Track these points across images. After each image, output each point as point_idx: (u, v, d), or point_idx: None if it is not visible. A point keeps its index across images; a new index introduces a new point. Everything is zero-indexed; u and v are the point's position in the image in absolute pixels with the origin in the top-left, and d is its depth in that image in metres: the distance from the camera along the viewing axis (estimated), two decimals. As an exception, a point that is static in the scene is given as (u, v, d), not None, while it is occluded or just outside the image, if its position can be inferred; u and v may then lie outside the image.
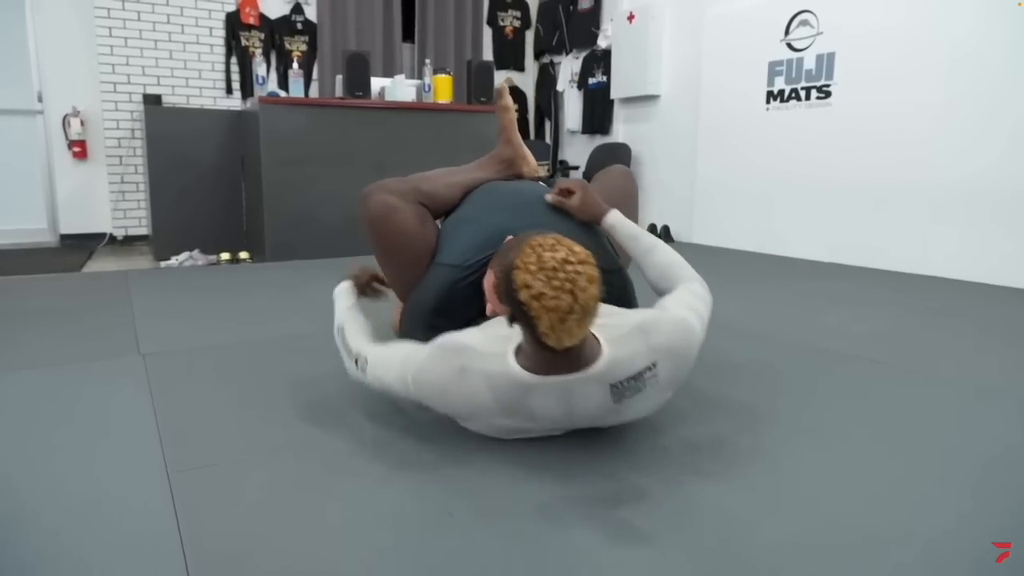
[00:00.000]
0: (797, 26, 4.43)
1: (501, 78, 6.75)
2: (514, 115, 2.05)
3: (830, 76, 4.26)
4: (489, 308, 1.63)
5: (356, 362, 1.56)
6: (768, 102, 4.66)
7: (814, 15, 4.32)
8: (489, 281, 1.62)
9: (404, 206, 1.81)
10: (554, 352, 1.24)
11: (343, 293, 1.77)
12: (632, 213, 2.02)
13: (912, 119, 3.86)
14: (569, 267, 1.17)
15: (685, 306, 1.48)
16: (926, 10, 3.77)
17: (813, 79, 4.36)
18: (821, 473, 1.37)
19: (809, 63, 4.37)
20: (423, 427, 1.56)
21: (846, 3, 4.15)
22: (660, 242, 1.66)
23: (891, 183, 3.98)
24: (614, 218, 1.72)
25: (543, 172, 5.99)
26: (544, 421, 1.40)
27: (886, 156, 4.00)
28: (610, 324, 1.36)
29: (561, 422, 1.42)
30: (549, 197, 1.80)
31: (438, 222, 1.97)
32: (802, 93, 4.44)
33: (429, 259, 1.83)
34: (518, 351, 1.33)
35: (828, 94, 4.28)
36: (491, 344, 1.37)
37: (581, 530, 1.14)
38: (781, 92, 4.57)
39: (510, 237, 1.44)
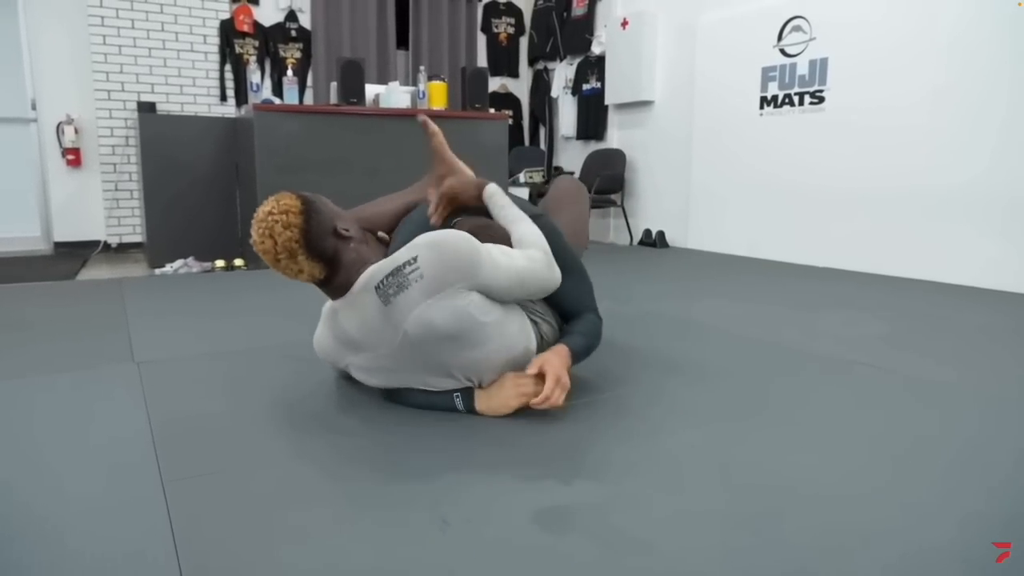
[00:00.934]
0: (790, 32, 4.46)
1: (496, 84, 6.77)
2: (441, 138, 2.07)
3: (823, 81, 4.28)
4: None
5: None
6: (762, 107, 4.68)
7: (807, 21, 4.35)
8: None
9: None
10: (325, 288, 1.60)
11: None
12: (577, 206, 2.20)
13: (905, 123, 3.88)
14: (270, 217, 1.49)
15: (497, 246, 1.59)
16: (920, 15, 3.79)
17: (806, 84, 4.38)
18: (819, 480, 1.37)
19: (802, 68, 4.40)
20: (419, 435, 1.55)
21: (839, 9, 4.18)
22: (526, 218, 1.72)
23: (886, 187, 4.00)
24: (491, 188, 1.77)
25: (538, 178, 6.00)
26: (363, 346, 1.60)
27: (881, 160, 4.02)
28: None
29: (372, 339, 1.57)
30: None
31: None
32: (795, 98, 4.46)
33: None
34: None
35: (822, 99, 4.31)
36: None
37: (577, 537, 1.14)
38: (775, 98, 4.59)
39: None
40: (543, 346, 1.73)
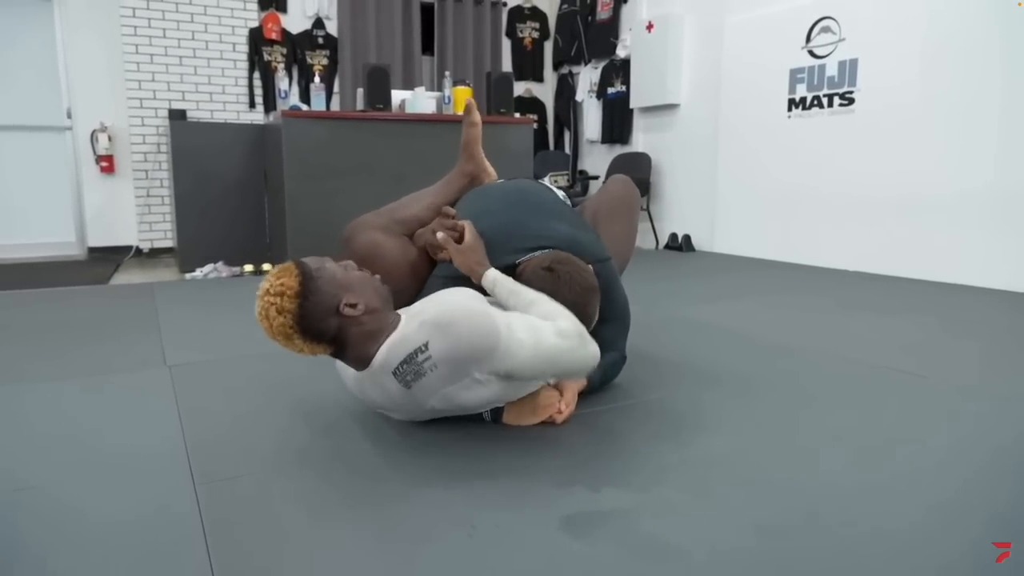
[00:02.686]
0: (819, 33, 4.40)
1: (520, 89, 6.78)
2: (479, 131, 2.07)
3: (853, 83, 4.22)
4: None
5: None
6: (790, 110, 4.63)
7: (836, 21, 4.29)
8: None
9: (387, 240, 1.80)
10: (349, 360, 1.51)
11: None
12: (628, 218, 2.12)
13: (938, 125, 3.81)
14: (266, 298, 1.42)
15: (521, 317, 1.45)
16: (954, 15, 3.72)
17: (836, 86, 4.32)
18: (852, 489, 1.35)
19: (831, 70, 4.34)
20: (447, 439, 1.56)
21: (869, 9, 4.12)
22: (542, 296, 1.54)
23: (917, 189, 3.92)
24: (492, 275, 1.62)
25: (563, 182, 5.99)
26: (393, 411, 1.57)
27: (912, 162, 3.95)
28: (404, 322, 1.49)
29: (403, 408, 1.53)
30: (440, 235, 1.70)
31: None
32: (824, 100, 4.40)
33: (416, 284, 1.83)
34: None
35: (851, 101, 4.24)
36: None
37: (607, 544, 1.13)
38: (803, 99, 4.54)
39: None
40: None
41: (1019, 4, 3.44)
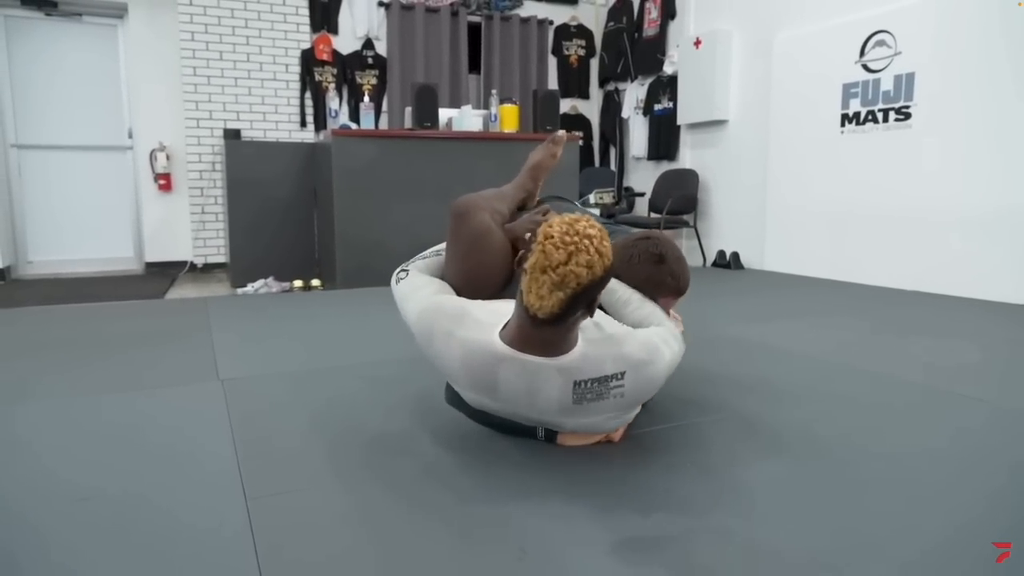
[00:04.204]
0: (873, 47, 4.30)
1: (566, 106, 6.79)
2: (555, 164, 2.13)
3: (910, 97, 4.11)
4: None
5: (400, 271, 1.73)
6: (843, 125, 4.53)
7: (891, 35, 4.19)
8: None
9: (495, 229, 1.79)
10: (532, 328, 1.35)
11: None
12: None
13: (998, 140, 3.68)
14: (586, 240, 1.28)
15: (656, 335, 1.51)
16: (1009, 27, 3.60)
17: (891, 100, 4.21)
18: (907, 516, 1.29)
19: (887, 84, 4.23)
20: (495, 459, 1.54)
21: (926, 22, 4.01)
22: (637, 294, 1.68)
23: (977, 206, 3.78)
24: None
25: (608, 199, 5.97)
26: (506, 401, 1.48)
27: (971, 178, 3.82)
28: (590, 329, 1.45)
29: (521, 406, 1.48)
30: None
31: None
32: (879, 115, 4.29)
33: (504, 276, 1.80)
34: (505, 326, 1.44)
35: (908, 115, 4.13)
36: (487, 315, 1.49)
37: (658, 571, 1.10)
38: (857, 115, 4.43)
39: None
40: None
41: (1019, 4, 3.40)
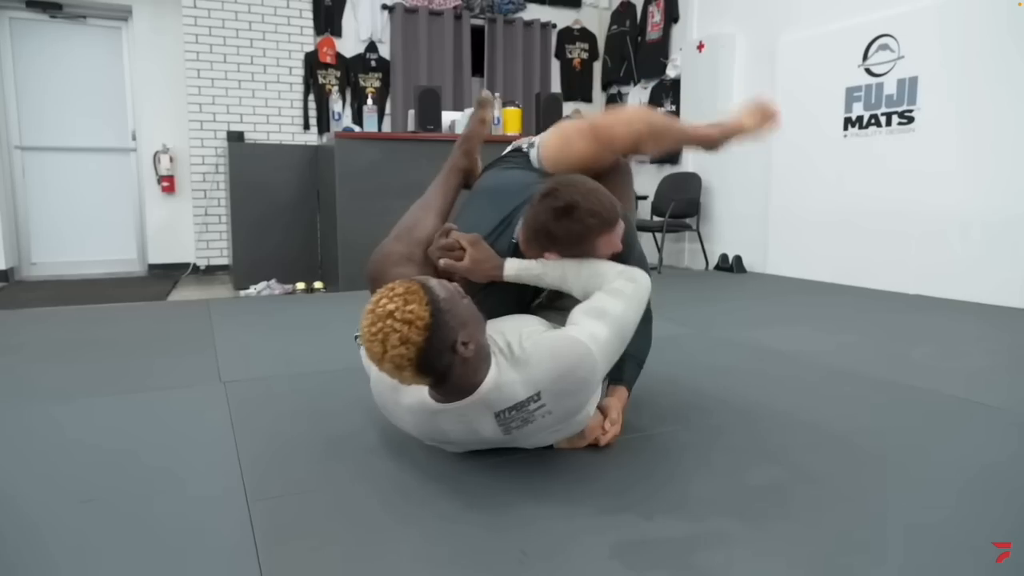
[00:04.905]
0: (876, 51, 4.30)
1: (569, 109, 6.79)
2: (487, 131, 2.01)
3: (913, 101, 4.10)
4: None
5: (355, 336, 1.59)
6: (846, 129, 4.52)
7: (894, 39, 4.19)
8: None
9: (417, 272, 1.67)
10: (439, 390, 1.36)
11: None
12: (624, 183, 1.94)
13: (1002, 143, 3.67)
14: (389, 322, 1.23)
15: (572, 334, 1.39)
16: (1013, 31, 3.59)
17: (894, 104, 4.21)
18: (914, 523, 1.28)
19: (890, 88, 4.23)
20: (496, 463, 1.54)
21: (929, 26, 4.01)
22: (569, 263, 1.55)
23: (981, 210, 3.78)
24: (512, 267, 1.59)
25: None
26: (460, 443, 1.49)
27: (975, 182, 3.81)
28: (501, 355, 1.39)
29: (475, 443, 1.48)
30: (442, 262, 1.62)
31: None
32: (882, 119, 4.29)
33: None
34: None
35: (911, 119, 4.13)
36: None
37: (658, 572, 1.10)
38: (860, 118, 4.43)
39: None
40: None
41: (1019, 4, 3.41)
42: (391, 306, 1.24)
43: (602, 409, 1.63)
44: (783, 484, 1.45)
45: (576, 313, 1.46)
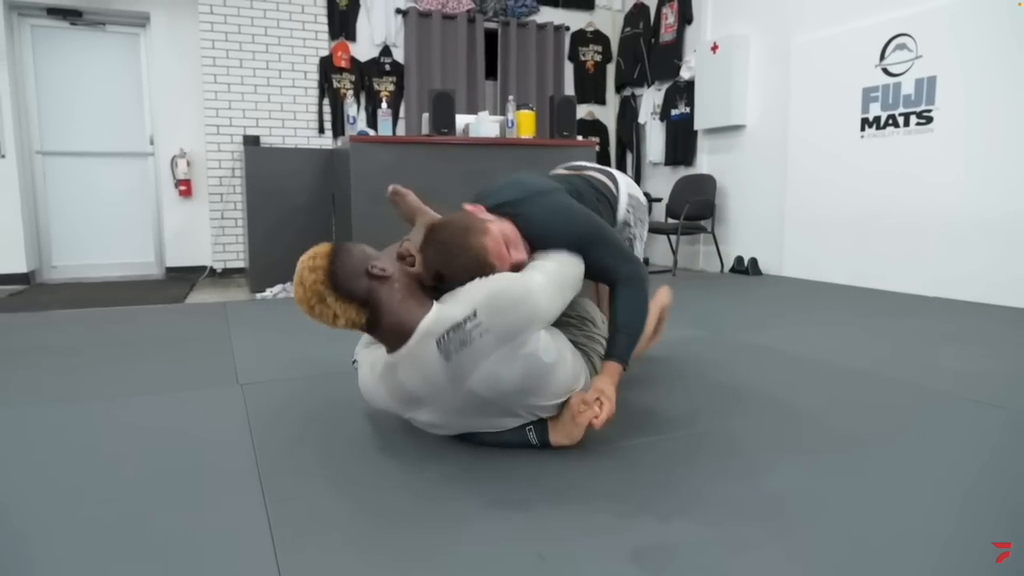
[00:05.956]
0: (893, 50, 4.27)
1: (583, 112, 6.78)
2: (412, 196, 2.20)
3: (931, 101, 4.06)
4: None
5: (353, 362, 1.79)
6: (863, 129, 4.49)
7: (912, 38, 4.15)
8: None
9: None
10: (373, 330, 1.51)
11: None
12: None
13: (1022, 143, 3.63)
14: (300, 265, 1.47)
15: (525, 272, 1.55)
16: (1037, 29, 3.55)
17: (912, 104, 4.17)
18: (935, 526, 1.27)
19: (907, 88, 4.19)
20: (509, 465, 1.54)
21: (947, 25, 3.97)
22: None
23: (1001, 211, 3.73)
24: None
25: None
26: (425, 400, 1.52)
27: (995, 183, 3.77)
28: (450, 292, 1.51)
29: (435, 399, 1.50)
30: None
31: None
32: (900, 119, 4.25)
33: None
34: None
35: (930, 119, 4.08)
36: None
37: (680, 579, 1.09)
38: (877, 119, 4.39)
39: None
40: (596, 369, 1.70)
41: (1019, 4, 3.40)
42: (303, 257, 1.48)
43: (594, 389, 1.55)
44: (803, 489, 1.44)
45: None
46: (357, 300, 1.45)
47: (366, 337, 1.81)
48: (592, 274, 1.71)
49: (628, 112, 6.90)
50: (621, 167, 7.06)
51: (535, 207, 1.68)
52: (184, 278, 5.63)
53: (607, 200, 2.00)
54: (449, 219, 1.62)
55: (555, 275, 1.55)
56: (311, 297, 1.44)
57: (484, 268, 1.51)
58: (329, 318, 1.47)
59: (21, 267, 5.24)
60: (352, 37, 6.04)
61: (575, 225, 1.68)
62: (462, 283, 1.50)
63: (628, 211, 2.06)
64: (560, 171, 2.17)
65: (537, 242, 1.66)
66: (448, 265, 1.52)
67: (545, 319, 1.50)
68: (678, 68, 6.19)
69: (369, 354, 1.68)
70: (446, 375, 1.45)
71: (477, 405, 1.50)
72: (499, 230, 1.58)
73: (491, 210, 1.69)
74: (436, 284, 1.56)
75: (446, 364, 1.43)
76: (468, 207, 1.67)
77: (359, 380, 1.69)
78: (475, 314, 1.40)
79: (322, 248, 1.48)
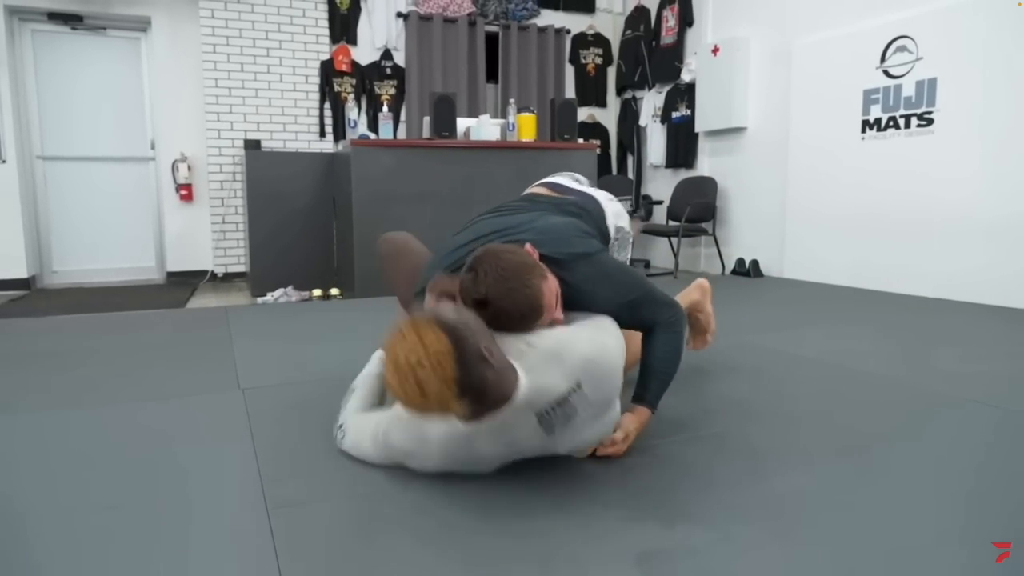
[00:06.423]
0: (894, 52, 4.27)
1: (583, 114, 6.78)
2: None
3: (932, 103, 4.06)
4: None
5: (339, 427, 1.65)
6: (864, 131, 4.49)
7: (912, 40, 4.15)
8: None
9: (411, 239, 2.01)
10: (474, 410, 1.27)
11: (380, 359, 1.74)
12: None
13: (1023, 145, 3.62)
14: (419, 370, 1.17)
15: (588, 328, 1.46)
16: (1038, 31, 3.55)
17: (913, 106, 4.17)
18: (939, 528, 1.26)
19: (908, 90, 4.19)
20: (515, 470, 1.53)
21: (947, 27, 3.97)
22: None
23: (1002, 212, 3.73)
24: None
25: (626, 207, 5.94)
26: (494, 459, 1.44)
27: (996, 184, 3.76)
28: (525, 355, 1.35)
29: (511, 455, 1.45)
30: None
31: None
32: (901, 121, 4.25)
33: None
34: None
35: (930, 121, 4.08)
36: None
37: (684, 584, 1.09)
38: (878, 121, 4.39)
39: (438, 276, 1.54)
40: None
41: (1019, 4, 3.42)
42: (411, 356, 1.18)
43: (622, 429, 1.58)
44: (805, 491, 1.43)
45: (574, 327, 1.46)
46: (474, 392, 1.23)
47: (357, 401, 1.70)
48: (630, 326, 1.63)
49: (629, 115, 6.91)
50: (622, 170, 7.07)
51: (578, 274, 1.56)
52: (185, 283, 5.63)
53: (598, 232, 1.89)
54: (508, 249, 1.47)
55: (616, 334, 1.47)
56: (434, 406, 1.21)
57: (535, 312, 1.41)
58: (442, 416, 1.27)
59: (22, 272, 5.24)
60: (353, 41, 6.05)
61: (621, 292, 1.59)
62: (505, 318, 1.39)
63: (615, 242, 1.97)
64: (541, 190, 2.03)
65: (578, 306, 1.57)
66: (502, 297, 1.38)
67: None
68: (679, 71, 6.20)
69: (367, 421, 1.60)
70: (540, 444, 1.38)
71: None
72: (554, 285, 1.48)
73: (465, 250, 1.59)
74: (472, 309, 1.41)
75: (546, 437, 1.35)
76: (529, 247, 1.53)
77: (347, 446, 1.61)
78: (579, 385, 1.31)
79: (441, 346, 1.18)
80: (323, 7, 5.90)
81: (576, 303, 1.56)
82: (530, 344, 1.38)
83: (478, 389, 1.23)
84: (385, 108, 5.68)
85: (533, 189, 2.07)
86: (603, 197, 2.00)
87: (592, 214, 1.89)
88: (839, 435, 1.77)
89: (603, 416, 1.43)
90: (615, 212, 1.99)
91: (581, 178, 2.15)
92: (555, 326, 1.47)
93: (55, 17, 5.37)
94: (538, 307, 1.41)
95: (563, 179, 2.10)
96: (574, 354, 1.34)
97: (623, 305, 1.58)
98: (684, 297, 2.23)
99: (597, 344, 1.38)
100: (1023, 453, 1.65)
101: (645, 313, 1.63)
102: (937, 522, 1.29)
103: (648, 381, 1.63)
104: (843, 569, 1.13)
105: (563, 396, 1.32)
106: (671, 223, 5.84)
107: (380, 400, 1.72)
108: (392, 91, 6.16)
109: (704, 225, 5.73)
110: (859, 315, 3.61)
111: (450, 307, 1.31)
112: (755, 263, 5.38)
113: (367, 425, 1.59)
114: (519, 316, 1.40)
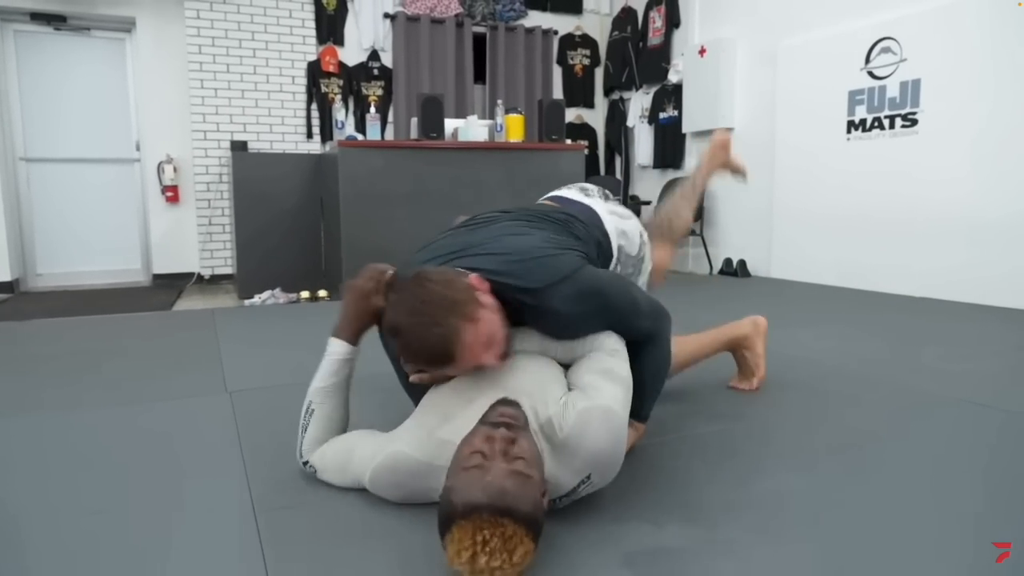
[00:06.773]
0: (878, 53, 4.30)
1: (571, 115, 6.79)
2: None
3: (916, 103, 4.10)
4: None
5: (305, 463, 1.50)
6: (849, 132, 4.52)
7: (896, 42, 4.19)
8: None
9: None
10: None
11: (333, 360, 1.63)
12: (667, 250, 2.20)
13: (1006, 145, 3.66)
14: (509, 568, 1.04)
15: (606, 377, 1.35)
16: (1018, 31, 3.59)
17: (897, 107, 4.21)
18: (932, 527, 1.27)
19: (893, 91, 4.23)
20: (504, 469, 1.53)
21: (931, 28, 4.01)
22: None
23: (985, 212, 3.77)
24: None
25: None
26: None
27: (979, 184, 3.80)
28: (555, 424, 1.27)
29: None
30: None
31: None
32: (886, 122, 4.28)
33: None
34: None
35: (914, 122, 4.12)
36: (432, 450, 1.32)
37: (673, 584, 1.09)
38: (863, 121, 4.43)
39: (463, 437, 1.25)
40: None
41: (1019, 4, 3.44)
42: (494, 560, 1.03)
43: None
44: (795, 490, 1.44)
45: (590, 375, 1.38)
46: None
47: (317, 430, 1.53)
48: (621, 335, 1.52)
49: (616, 115, 6.93)
50: (610, 171, 7.09)
51: (556, 300, 1.39)
52: (171, 285, 5.59)
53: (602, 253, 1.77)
54: (440, 277, 1.32)
55: (627, 385, 1.39)
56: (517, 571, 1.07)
57: (445, 356, 1.28)
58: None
59: (5, 275, 5.19)
60: (340, 42, 6.03)
61: (606, 310, 1.47)
62: (412, 354, 1.30)
63: (617, 265, 1.83)
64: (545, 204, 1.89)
65: (563, 333, 1.46)
66: (410, 329, 1.27)
67: None
68: (666, 72, 6.22)
69: (334, 459, 1.48)
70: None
71: None
72: (488, 328, 1.30)
73: (496, 289, 1.37)
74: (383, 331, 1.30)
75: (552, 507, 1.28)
76: (474, 279, 1.34)
77: (321, 475, 1.49)
78: (589, 477, 1.27)
79: (525, 548, 1.06)
80: (310, 8, 5.88)
81: (562, 332, 1.46)
82: (541, 424, 1.29)
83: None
84: (372, 109, 5.66)
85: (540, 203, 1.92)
86: (604, 210, 1.84)
87: (585, 222, 1.73)
88: (828, 434, 1.78)
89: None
90: (618, 231, 1.81)
91: (591, 188, 1.99)
92: (493, 369, 1.36)
93: (38, 17, 5.32)
94: (448, 351, 1.27)
95: (569, 192, 1.95)
96: (587, 449, 1.25)
97: (611, 323, 1.48)
98: (732, 329, 2.17)
99: (614, 432, 1.27)
100: (1013, 450, 1.67)
101: (632, 326, 1.52)
102: (933, 521, 1.30)
103: (643, 399, 1.55)
104: (834, 568, 1.14)
105: (572, 489, 1.28)
106: (659, 223, 5.86)
107: (342, 426, 1.60)
108: (379, 92, 6.15)
109: (692, 225, 5.75)
110: (846, 314, 3.64)
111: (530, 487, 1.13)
112: (742, 263, 5.41)
113: (345, 462, 1.46)
114: (427, 356, 1.29)
